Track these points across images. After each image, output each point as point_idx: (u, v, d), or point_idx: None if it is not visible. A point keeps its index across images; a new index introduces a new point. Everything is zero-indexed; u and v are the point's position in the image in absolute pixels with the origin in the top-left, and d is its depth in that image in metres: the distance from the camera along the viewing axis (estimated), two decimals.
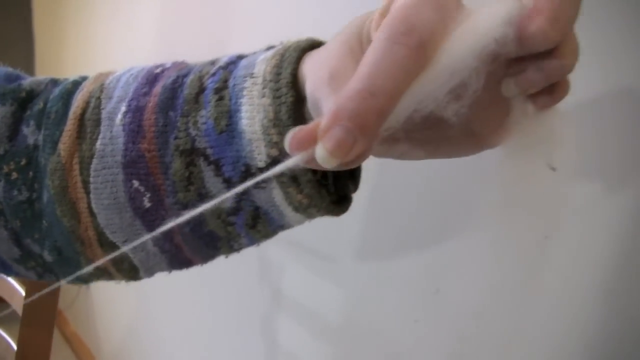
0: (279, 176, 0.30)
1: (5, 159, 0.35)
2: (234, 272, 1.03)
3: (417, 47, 0.22)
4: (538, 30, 0.22)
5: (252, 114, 0.29)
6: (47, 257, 0.37)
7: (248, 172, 0.30)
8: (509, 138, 0.27)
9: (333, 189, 0.32)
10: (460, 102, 0.23)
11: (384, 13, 0.24)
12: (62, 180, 0.34)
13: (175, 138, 0.31)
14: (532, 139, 0.27)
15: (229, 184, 0.30)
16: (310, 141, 0.22)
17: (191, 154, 0.31)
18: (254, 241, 0.34)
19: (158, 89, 0.33)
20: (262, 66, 0.30)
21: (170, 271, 0.37)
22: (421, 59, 0.22)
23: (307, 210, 0.31)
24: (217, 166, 0.30)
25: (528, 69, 0.24)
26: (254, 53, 0.32)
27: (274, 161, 0.29)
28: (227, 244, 0.34)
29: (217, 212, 0.32)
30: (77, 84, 0.37)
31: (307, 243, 0.84)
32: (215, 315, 1.15)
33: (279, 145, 0.29)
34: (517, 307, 0.52)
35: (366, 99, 0.21)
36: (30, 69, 2.04)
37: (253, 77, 0.30)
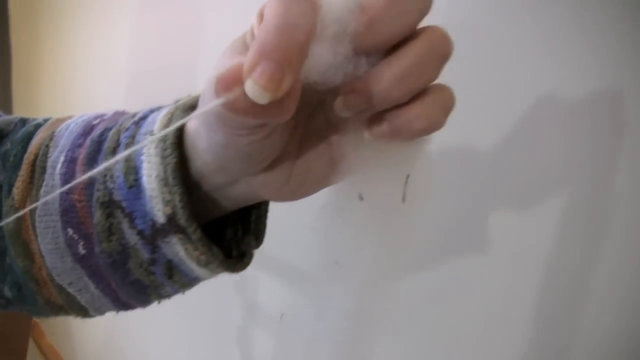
0: (178, 232, 0.30)
1: None
2: (211, 284, 1.05)
3: None
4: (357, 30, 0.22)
5: (150, 171, 0.30)
6: (7, 292, 0.38)
7: (154, 227, 0.31)
8: (344, 166, 0.28)
9: (236, 246, 0.34)
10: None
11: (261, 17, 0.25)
12: (16, 222, 0.35)
13: (97, 190, 0.32)
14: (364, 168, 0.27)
15: (142, 237, 0.31)
16: (236, 80, 0.21)
17: (109, 205, 0.32)
18: (177, 290, 0.35)
19: (88, 141, 0.34)
20: (158, 124, 0.31)
21: (117, 311, 0.38)
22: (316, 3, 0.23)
23: (209, 266, 0.32)
24: (131, 219, 0.31)
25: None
26: (167, 106, 0.33)
27: (170, 219, 0.30)
28: (155, 291, 0.35)
29: (139, 262, 0.32)
30: (38, 127, 0.38)
31: (283, 256, 0.87)
32: (192, 327, 1.16)
33: (171, 203, 0.30)
34: None
35: (286, 34, 0.21)
36: (6, 88, 2.05)
37: (152, 135, 0.31)
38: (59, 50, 1.67)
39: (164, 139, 0.30)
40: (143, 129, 0.31)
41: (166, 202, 0.30)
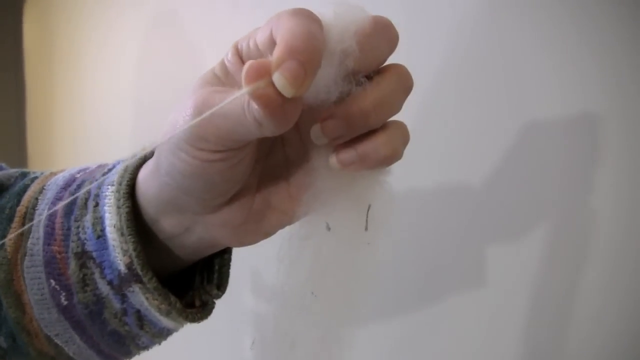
0: (137, 281, 0.31)
1: None
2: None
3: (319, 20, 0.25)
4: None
5: (110, 221, 0.31)
6: (3, 343, 0.38)
7: (120, 276, 0.32)
8: (307, 198, 0.29)
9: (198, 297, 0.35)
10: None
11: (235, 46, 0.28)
12: (8, 273, 0.36)
13: (72, 241, 0.33)
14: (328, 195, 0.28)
15: (111, 286, 0.32)
16: (264, 72, 0.23)
17: (82, 256, 0.33)
18: (152, 341, 0.36)
19: (67, 194, 0.35)
20: (116, 175, 0.33)
21: None
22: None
23: (170, 316, 0.33)
24: (101, 269, 0.32)
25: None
26: (131, 157, 0.34)
27: (129, 268, 0.31)
28: (132, 342, 0.35)
29: (113, 312, 0.33)
30: (34, 180, 0.39)
31: (254, 284, 0.87)
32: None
33: (127, 252, 0.31)
34: None
35: (311, 40, 0.23)
36: (21, 116, 2.10)
37: (113, 186, 0.32)
38: (72, 88, 1.71)
39: (118, 190, 0.31)
40: (108, 180, 0.33)
41: (124, 252, 0.31)
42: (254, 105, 0.24)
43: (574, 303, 0.49)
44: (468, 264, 0.57)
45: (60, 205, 0.34)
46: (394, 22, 0.27)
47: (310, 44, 0.23)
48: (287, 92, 0.23)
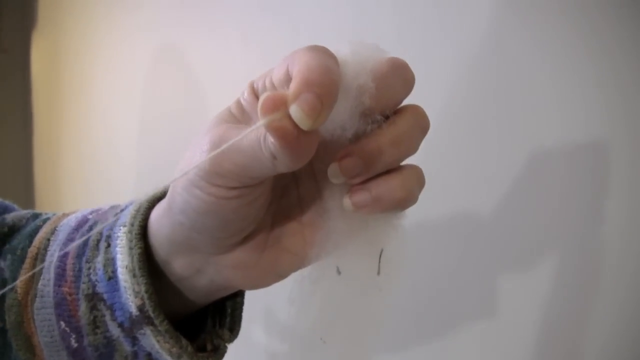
0: (149, 324, 0.31)
1: None
2: None
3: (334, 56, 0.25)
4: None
5: (122, 262, 0.31)
6: None
7: (131, 319, 0.31)
8: (319, 240, 0.29)
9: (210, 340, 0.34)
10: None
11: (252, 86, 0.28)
12: (18, 315, 0.36)
13: (83, 282, 0.33)
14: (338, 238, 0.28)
15: (122, 329, 0.32)
16: (281, 104, 0.23)
17: (93, 298, 0.32)
18: None
19: (79, 235, 0.35)
20: (128, 216, 0.32)
21: None
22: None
23: (182, 359, 0.32)
24: (112, 311, 0.32)
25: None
26: (144, 198, 0.34)
27: (140, 310, 0.31)
28: None
29: (123, 355, 0.33)
30: (46, 221, 0.39)
31: (265, 327, 0.86)
32: None
33: (139, 294, 0.30)
34: None
35: (327, 74, 0.23)
36: (28, 145, 2.11)
37: (125, 227, 0.32)
38: (79, 116, 1.72)
39: (130, 230, 0.31)
40: (120, 221, 0.33)
41: (136, 293, 0.30)
42: (270, 139, 0.24)
43: (583, 336, 0.48)
44: (476, 296, 0.57)
45: (72, 246, 0.34)
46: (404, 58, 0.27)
47: (327, 77, 0.23)
48: (304, 124, 0.23)
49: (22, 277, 0.35)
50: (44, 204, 2.02)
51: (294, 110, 0.22)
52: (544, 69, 0.51)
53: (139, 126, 1.35)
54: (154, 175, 1.23)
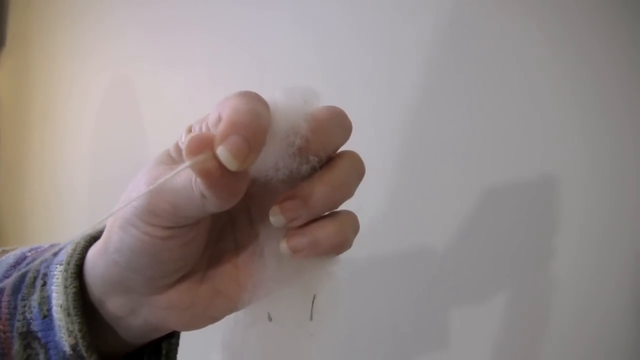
0: None
1: None
2: None
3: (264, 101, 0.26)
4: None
5: (58, 301, 0.31)
6: None
7: (65, 358, 0.31)
8: (252, 286, 0.29)
9: None
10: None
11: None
12: None
13: (17, 320, 0.32)
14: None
15: None
16: (207, 145, 0.23)
17: (27, 336, 0.32)
18: None
19: (15, 272, 0.35)
20: (65, 254, 0.32)
21: None
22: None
23: None
24: (46, 349, 0.32)
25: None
26: (81, 236, 0.34)
27: (74, 350, 0.30)
28: None
29: None
30: None
31: None
32: None
33: (73, 333, 0.30)
34: None
35: (255, 118, 0.24)
36: None
37: (61, 265, 0.32)
38: (45, 141, 1.70)
39: (66, 269, 0.31)
40: (57, 259, 0.32)
41: (70, 332, 0.30)
42: (198, 179, 0.24)
43: None
44: (429, 329, 0.57)
45: (7, 281, 0.34)
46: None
47: (254, 120, 0.24)
48: (232, 165, 0.23)
49: None
50: (8, 226, 1.97)
51: (221, 152, 0.23)
52: (493, 104, 0.52)
53: (94, 150, 1.34)
54: (107, 201, 1.22)
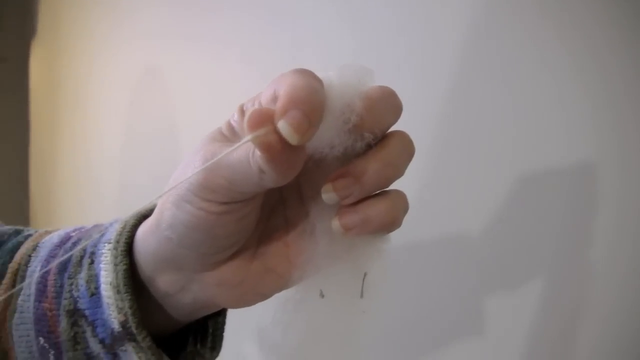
0: (131, 340, 0.31)
1: None
2: None
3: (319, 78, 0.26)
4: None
5: (106, 279, 0.31)
6: None
7: (113, 335, 0.31)
8: (303, 263, 0.29)
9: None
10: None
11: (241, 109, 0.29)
12: None
13: (64, 298, 0.33)
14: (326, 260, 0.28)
15: (103, 345, 0.32)
16: (268, 119, 0.24)
17: (74, 314, 0.33)
18: None
19: (62, 251, 0.35)
20: (114, 232, 0.33)
21: None
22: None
23: None
24: (93, 327, 0.32)
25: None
26: (130, 215, 0.34)
27: (123, 327, 0.31)
28: None
29: None
30: (28, 237, 0.39)
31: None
32: None
33: (123, 310, 0.31)
34: None
35: (312, 93, 0.24)
36: (24, 156, 2.11)
37: (109, 243, 0.32)
38: (76, 128, 1.73)
39: (115, 247, 0.32)
40: (104, 238, 0.33)
41: (119, 309, 0.31)
42: (258, 153, 0.25)
43: (571, 357, 0.48)
44: (464, 316, 0.57)
45: (55, 262, 0.34)
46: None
47: (312, 95, 0.24)
48: (292, 139, 0.23)
49: (4, 295, 0.35)
50: (39, 213, 2.01)
51: (282, 125, 0.23)
52: (532, 92, 0.51)
53: (125, 139, 1.36)
54: (137, 190, 1.23)
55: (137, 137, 1.31)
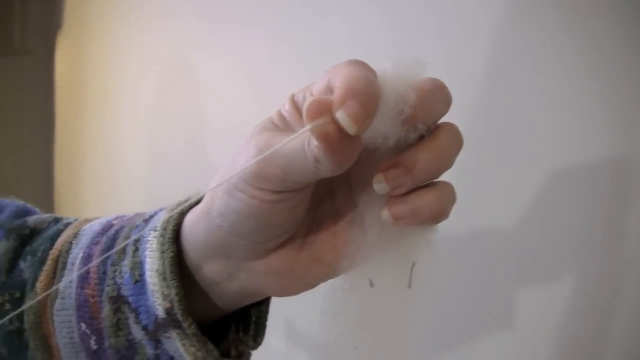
0: (176, 327, 0.31)
1: (1, 290, 0.37)
2: None
3: (373, 70, 0.26)
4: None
5: (152, 265, 0.32)
6: None
7: (156, 322, 0.32)
8: (352, 253, 0.29)
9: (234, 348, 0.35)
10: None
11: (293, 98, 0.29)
12: (37, 316, 0.36)
13: (107, 285, 0.34)
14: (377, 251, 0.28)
15: (146, 332, 0.32)
16: (326, 109, 0.24)
17: (117, 301, 0.33)
18: None
19: (104, 238, 0.36)
20: (160, 221, 0.33)
21: None
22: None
23: None
24: (137, 314, 0.32)
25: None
26: (178, 204, 0.34)
27: (168, 314, 0.31)
28: None
29: (145, 357, 0.33)
30: (68, 225, 0.40)
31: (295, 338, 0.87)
32: None
33: (168, 297, 0.31)
34: None
35: (369, 84, 0.24)
36: (49, 144, 2.14)
37: (155, 231, 0.33)
38: (101, 118, 1.74)
39: (162, 234, 0.32)
40: (150, 226, 0.33)
41: (165, 296, 0.31)
42: (314, 143, 0.25)
43: (602, 352, 0.48)
44: (495, 309, 0.57)
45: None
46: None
47: (368, 87, 0.24)
48: (351, 129, 0.24)
49: (54, 287, 0.35)
50: (63, 205, 2.04)
51: (340, 116, 0.24)
52: (564, 85, 0.51)
53: (148, 134, 1.37)
54: (162, 185, 1.24)
55: (164, 131, 1.32)
